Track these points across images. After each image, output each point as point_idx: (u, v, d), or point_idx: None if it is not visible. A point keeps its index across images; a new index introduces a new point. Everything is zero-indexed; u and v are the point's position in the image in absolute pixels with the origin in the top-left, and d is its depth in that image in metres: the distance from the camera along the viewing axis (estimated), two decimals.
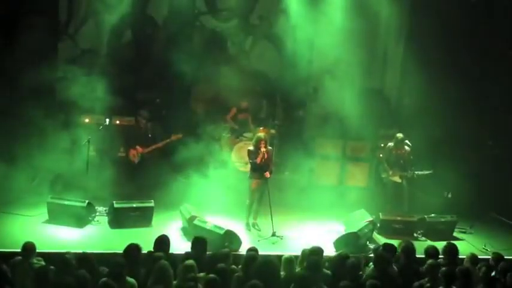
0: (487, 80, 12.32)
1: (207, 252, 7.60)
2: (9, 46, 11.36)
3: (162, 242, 7.49)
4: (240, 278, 6.77)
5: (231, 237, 8.89)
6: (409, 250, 7.58)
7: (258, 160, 9.63)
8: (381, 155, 11.37)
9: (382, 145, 11.81)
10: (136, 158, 10.88)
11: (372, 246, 9.09)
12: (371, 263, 7.48)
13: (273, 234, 9.53)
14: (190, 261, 6.78)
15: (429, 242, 9.41)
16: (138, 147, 10.87)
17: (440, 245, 8.11)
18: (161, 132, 11.58)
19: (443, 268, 6.90)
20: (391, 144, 10.82)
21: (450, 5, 12.02)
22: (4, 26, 11.47)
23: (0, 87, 10.92)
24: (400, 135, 10.71)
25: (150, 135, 11.09)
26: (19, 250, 7.16)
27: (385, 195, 10.99)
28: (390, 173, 10.71)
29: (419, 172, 10.61)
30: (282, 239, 9.49)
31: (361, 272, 7.25)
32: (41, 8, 11.67)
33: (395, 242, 8.04)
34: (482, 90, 12.31)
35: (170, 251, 7.57)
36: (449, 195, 10.33)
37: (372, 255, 8.16)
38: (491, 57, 12.19)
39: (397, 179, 10.70)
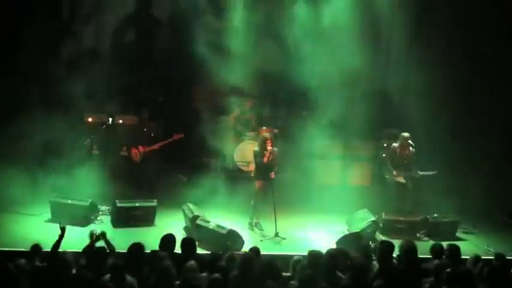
0: (491, 79, 12.28)
1: (208, 252, 7.59)
2: (12, 46, 11.38)
3: (168, 242, 7.46)
4: (237, 278, 6.74)
5: (233, 237, 8.88)
6: (410, 249, 7.54)
7: (265, 160, 9.64)
8: (384, 155, 11.34)
9: (386, 145, 11.79)
10: (138, 157, 10.89)
11: (373, 245, 8.96)
12: (374, 262, 7.42)
13: (276, 235, 9.52)
14: (192, 263, 6.78)
15: (432, 242, 9.36)
16: (140, 146, 10.87)
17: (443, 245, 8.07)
18: (163, 131, 11.60)
19: (448, 270, 6.87)
20: (395, 144, 10.75)
21: (455, 4, 12.01)
22: (6, 26, 11.48)
23: (3, 87, 10.93)
24: (405, 134, 10.62)
25: (152, 134, 11.09)
26: (22, 249, 7.17)
27: (388, 196, 10.95)
28: (394, 173, 10.65)
29: (424, 172, 10.56)
30: (285, 239, 9.48)
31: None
32: (43, 7, 11.68)
33: (397, 242, 8.00)
34: (486, 90, 12.28)
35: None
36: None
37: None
38: (496, 57, 12.15)
39: (401, 179, 10.62)
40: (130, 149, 10.98)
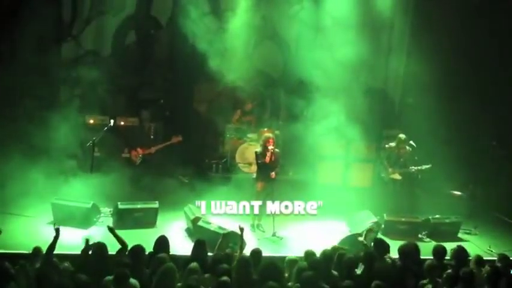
0: (491, 80, 12.28)
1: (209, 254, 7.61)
2: (12, 47, 11.38)
3: (162, 243, 7.49)
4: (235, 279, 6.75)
5: (235, 239, 8.86)
6: (407, 252, 7.52)
7: (267, 159, 9.67)
8: (382, 154, 11.36)
9: (387, 146, 11.80)
10: (137, 159, 10.89)
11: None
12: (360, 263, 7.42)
13: (273, 235, 9.55)
14: (194, 264, 6.79)
15: (433, 243, 9.35)
16: (138, 148, 10.88)
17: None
18: (164, 132, 11.61)
19: (449, 270, 6.87)
20: (392, 144, 10.83)
21: (454, 4, 12.00)
22: (6, 27, 11.49)
23: (4, 88, 10.94)
24: (402, 135, 10.68)
25: (152, 137, 11.10)
26: (23, 251, 7.16)
27: (386, 195, 10.95)
28: (390, 170, 10.69)
29: (418, 167, 10.56)
30: (281, 239, 9.51)
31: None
32: (44, 8, 11.68)
33: (399, 244, 7.98)
34: (486, 90, 12.27)
35: (174, 252, 7.60)
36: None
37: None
38: (494, 57, 12.15)
39: (397, 176, 10.67)
40: (130, 151, 10.99)
